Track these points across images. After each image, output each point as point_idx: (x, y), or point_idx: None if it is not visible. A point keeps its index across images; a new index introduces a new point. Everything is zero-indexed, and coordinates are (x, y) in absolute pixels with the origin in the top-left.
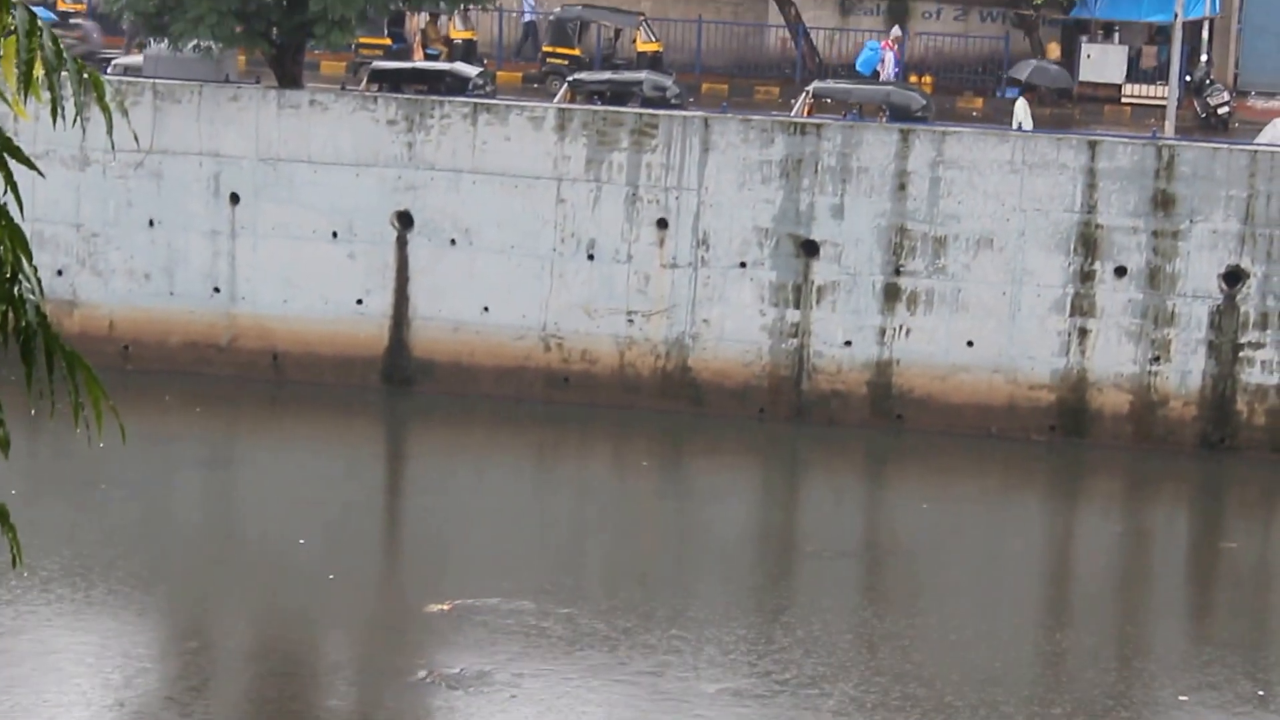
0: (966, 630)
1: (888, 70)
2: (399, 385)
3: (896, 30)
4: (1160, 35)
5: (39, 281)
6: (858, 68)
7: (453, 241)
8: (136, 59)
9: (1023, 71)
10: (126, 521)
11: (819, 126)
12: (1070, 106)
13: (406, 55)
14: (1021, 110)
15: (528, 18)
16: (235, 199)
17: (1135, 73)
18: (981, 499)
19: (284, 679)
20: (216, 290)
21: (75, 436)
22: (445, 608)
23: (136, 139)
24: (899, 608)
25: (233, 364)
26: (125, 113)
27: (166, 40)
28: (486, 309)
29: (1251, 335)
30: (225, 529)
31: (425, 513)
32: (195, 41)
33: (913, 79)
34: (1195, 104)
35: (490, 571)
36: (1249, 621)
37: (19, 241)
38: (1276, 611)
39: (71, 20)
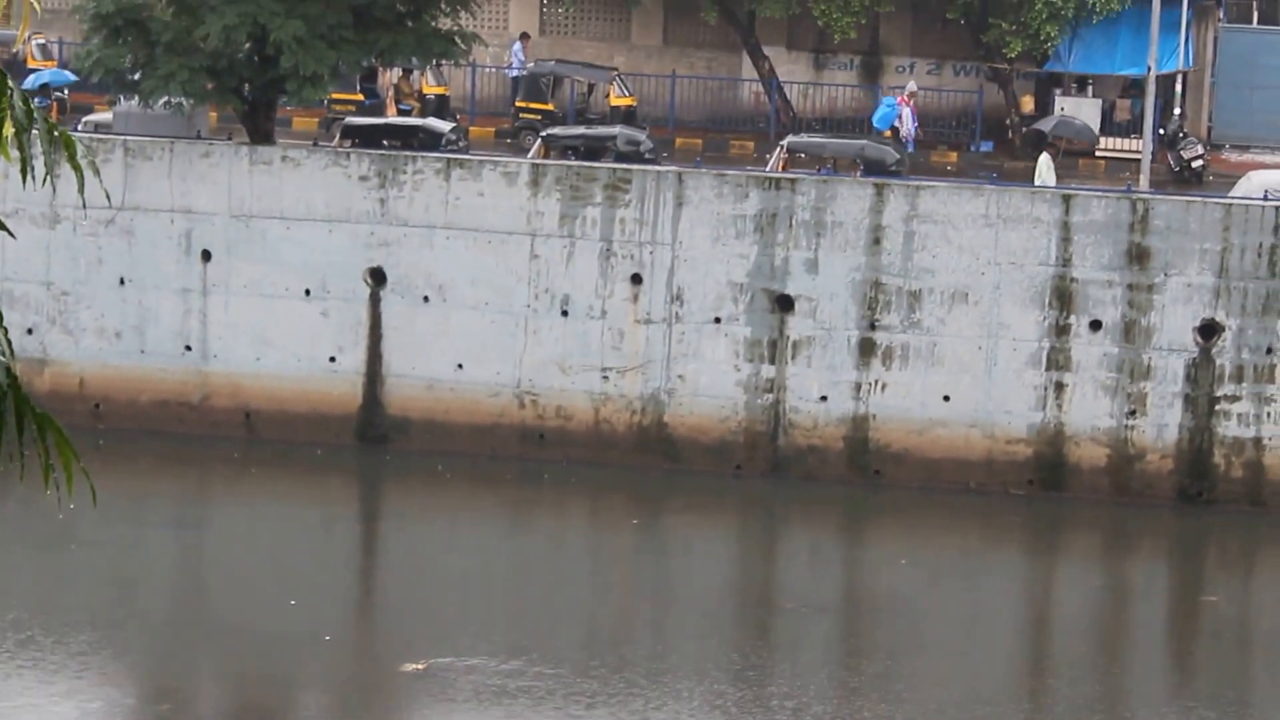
0: (947, 687)
1: (906, 126)
2: (373, 443)
3: (912, 85)
4: (1134, 89)
5: (9, 342)
6: (874, 123)
7: (426, 298)
8: (107, 116)
9: (1046, 125)
10: (97, 582)
11: (793, 181)
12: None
13: (379, 111)
14: (1045, 165)
15: (514, 72)
16: (207, 256)
17: (1109, 126)
18: (960, 554)
19: None
20: (188, 348)
21: (46, 497)
22: (420, 667)
23: (108, 196)
24: (879, 664)
25: (205, 422)
26: (97, 171)
27: (137, 97)
28: (461, 366)
29: (1227, 388)
30: (197, 589)
31: (400, 571)
32: (166, 98)
33: (886, 133)
34: (1169, 157)
35: (466, 630)
36: (1231, 676)
37: None
38: (1258, 665)
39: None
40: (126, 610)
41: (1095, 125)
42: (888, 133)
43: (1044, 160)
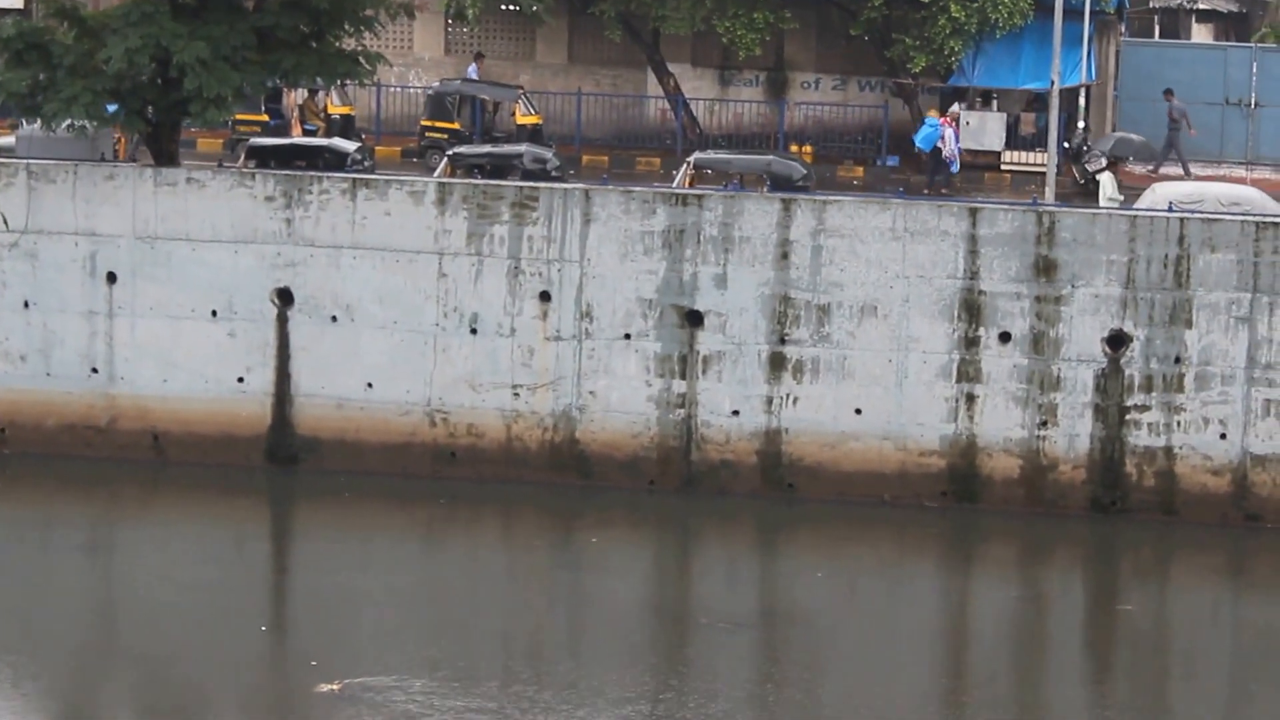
0: (865, 700)
1: (949, 146)
2: (283, 464)
3: (955, 107)
4: (1038, 102)
5: None
6: (917, 144)
7: (334, 318)
8: (9, 139)
9: (1106, 144)
10: (1, 608)
11: (700, 197)
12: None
13: (284, 132)
14: (1109, 184)
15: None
16: (112, 278)
17: (1014, 140)
18: (876, 567)
19: None
20: (94, 371)
21: None
22: (335, 688)
23: (5, 222)
24: (796, 678)
25: (112, 445)
26: None
27: (40, 120)
28: (370, 385)
29: (1137, 398)
30: (106, 613)
31: (313, 592)
32: (69, 121)
33: (793, 148)
34: (1074, 170)
35: (380, 650)
36: (1146, 684)
37: None
38: (1174, 673)
39: None
40: (33, 635)
41: (999, 139)
42: (928, 153)
43: (1106, 179)
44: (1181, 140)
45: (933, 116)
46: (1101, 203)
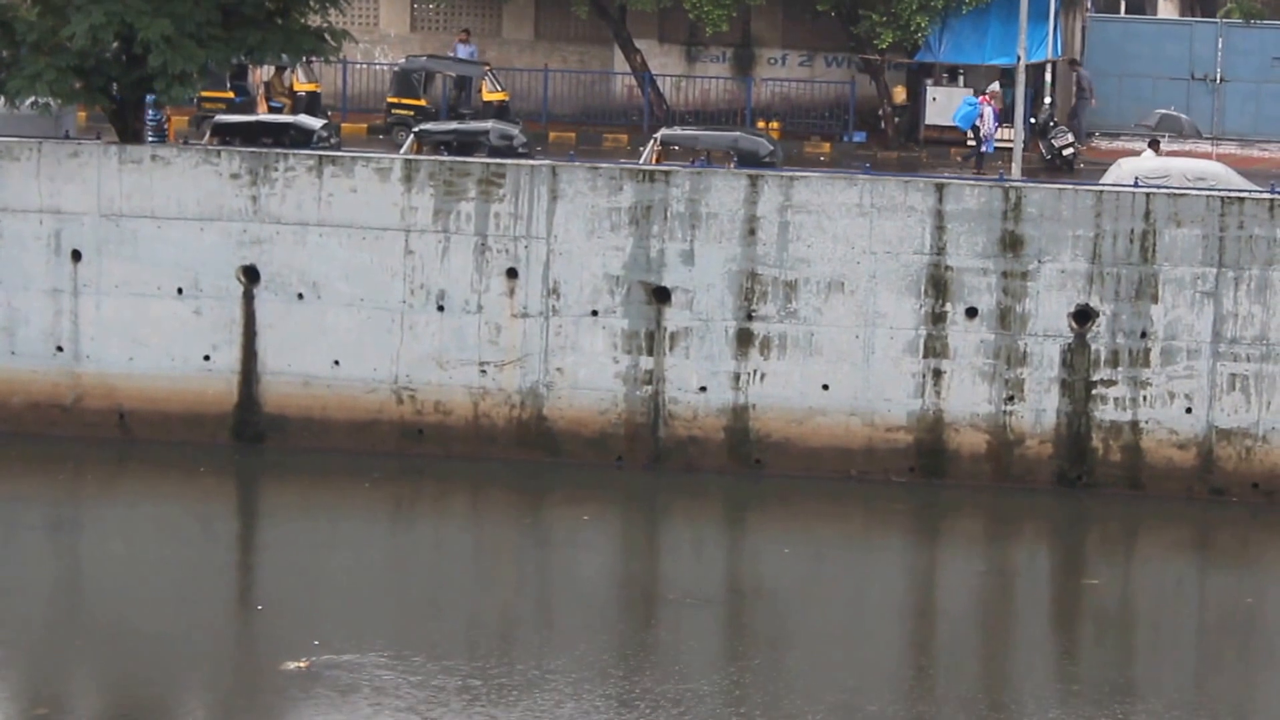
0: (833, 674)
1: (987, 125)
2: (250, 441)
3: (994, 86)
4: (1005, 78)
5: None
6: (956, 122)
7: (300, 295)
8: None
9: (1151, 120)
10: None
11: (667, 173)
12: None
13: (250, 109)
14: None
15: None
16: (77, 256)
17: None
18: (843, 542)
19: None
20: (60, 349)
21: None
22: (302, 665)
23: None
24: (763, 653)
25: (78, 424)
26: None
27: (3, 98)
28: (337, 363)
29: (1103, 373)
30: (73, 591)
31: (280, 570)
32: (33, 98)
33: (760, 124)
34: (1040, 146)
35: (348, 628)
36: (1112, 658)
37: None
38: (1140, 646)
39: None
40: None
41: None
42: (969, 132)
43: (1147, 155)
44: (1084, 111)
45: (971, 95)
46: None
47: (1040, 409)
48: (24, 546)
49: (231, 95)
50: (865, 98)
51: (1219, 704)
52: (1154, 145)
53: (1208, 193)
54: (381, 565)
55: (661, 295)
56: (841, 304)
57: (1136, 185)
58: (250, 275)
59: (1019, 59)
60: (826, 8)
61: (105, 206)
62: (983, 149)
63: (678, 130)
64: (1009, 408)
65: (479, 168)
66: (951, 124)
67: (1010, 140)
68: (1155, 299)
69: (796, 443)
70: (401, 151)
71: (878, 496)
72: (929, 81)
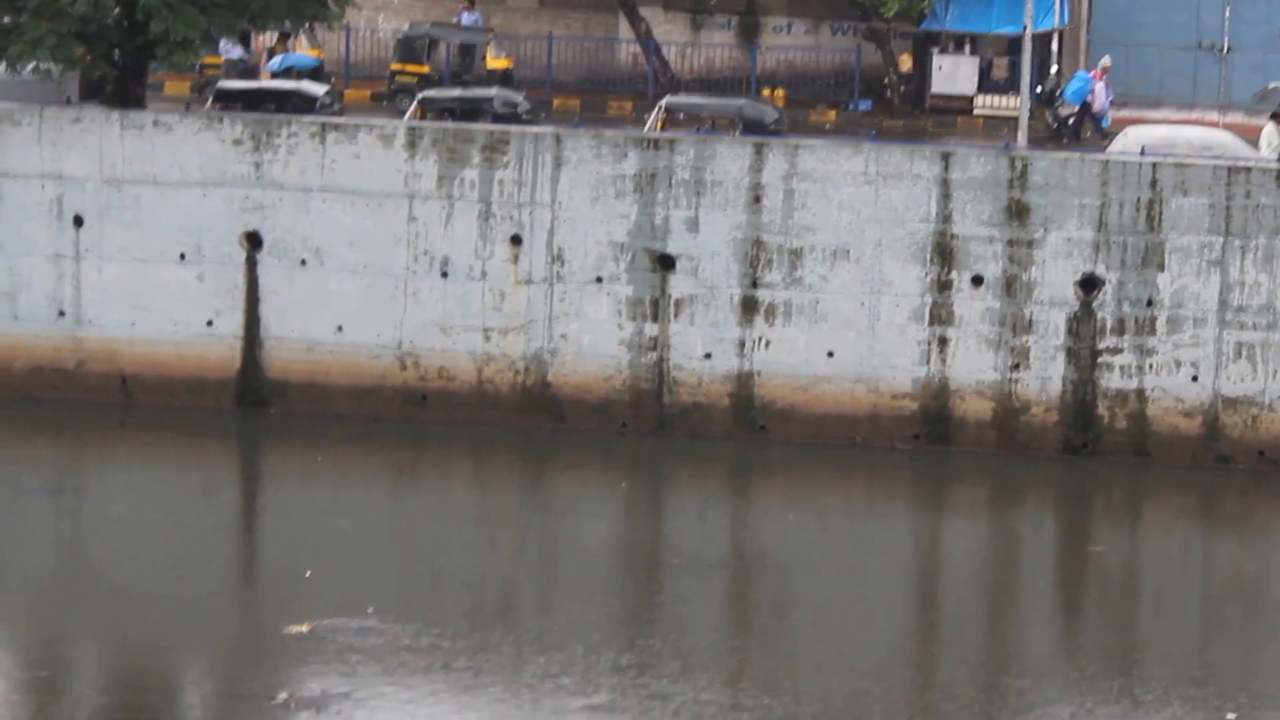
0: (837, 641)
1: (1100, 100)
2: (253, 406)
3: (1106, 60)
4: (1011, 47)
5: None
6: (1067, 98)
7: (303, 261)
8: None
9: (1274, 100)
10: None
11: (672, 141)
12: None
13: (253, 74)
14: (1272, 133)
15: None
16: (79, 221)
17: (987, 84)
18: (848, 509)
19: (140, 705)
20: (62, 314)
21: None
22: (304, 629)
23: None
24: (767, 619)
25: (81, 388)
26: None
27: (4, 63)
28: (340, 328)
29: (1109, 341)
30: (76, 554)
31: (282, 534)
32: (35, 63)
33: (765, 92)
34: (1047, 115)
35: (350, 592)
36: (1117, 625)
37: None
38: (1145, 614)
39: None
40: (1, 576)
41: (972, 84)
42: (1077, 107)
43: (1270, 129)
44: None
45: (1084, 71)
46: (1263, 152)
47: (1046, 377)
48: (26, 510)
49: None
50: (871, 66)
51: (1223, 670)
52: (1275, 118)
53: (1214, 162)
54: (384, 530)
55: (666, 262)
56: (847, 271)
57: (1143, 154)
58: (253, 241)
59: (1025, 27)
60: None
61: (107, 172)
62: (1100, 124)
63: (683, 98)
64: (1014, 375)
65: (483, 134)
66: (958, 93)
67: (1012, 108)
68: (1161, 267)
69: (801, 409)
70: (405, 118)
71: (882, 463)
72: (935, 50)
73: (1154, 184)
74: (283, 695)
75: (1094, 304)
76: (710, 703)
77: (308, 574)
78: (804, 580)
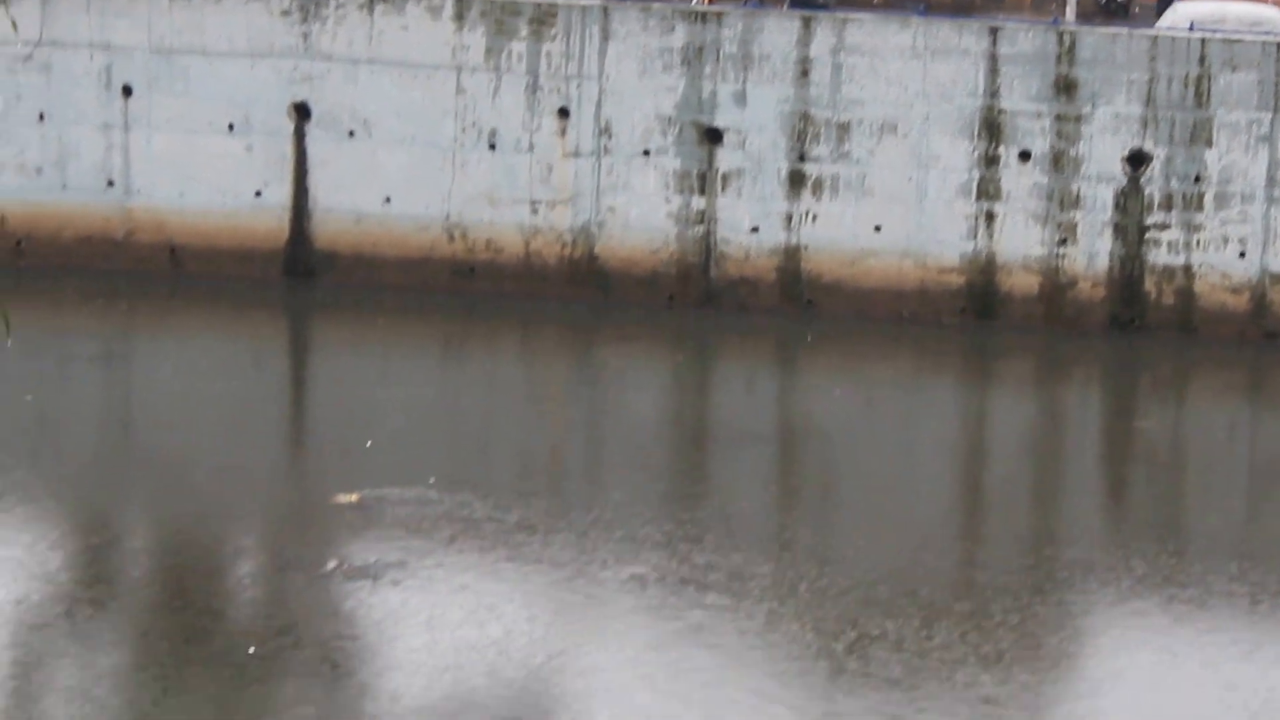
0: (884, 513)
1: None
2: (301, 277)
3: None
4: None
5: None
6: None
7: (351, 133)
8: None
9: None
10: (19, 419)
11: (720, 14)
12: None
13: None
14: None
15: None
16: (128, 91)
17: None
18: (894, 383)
19: (189, 574)
20: (110, 184)
21: None
22: (353, 499)
23: (15, 26)
24: (814, 493)
25: (129, 259)
26: (6, 5)
27: None
28: (388, 200)
29: (1157, 217)
30: (124, 424)
31: (330, 405)
32: None
33: None
34: None
35: (398, 463)
36: (1163, 500)
37: None
38: (1190, 489)
39: None
40: (49, 445)
41: None
42: None
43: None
44: None
45: None
46: None
47: (1093, 252)
48: (76, 379)
49: None
50: None
51: (1266, 545)
52: None
53: (1264, 38)
54: (431, 401)
55: (713, 136)
56: (894, 146)
57: (1191, 30)
58: (301, 112)
59: None
60: None
61: (156, 42)
62: None
63: None
64: (1062, 250)
65: (530, 7)
66: None
67: None
68: (1210, 143)
69: (848, 284)
70: None
71: (929, 338)
72: None
73: (1202, 60)
74: (332, 564)
75: (1142, 180)
76: (758, 574)
77: (368, 444)
78: (851, 453)
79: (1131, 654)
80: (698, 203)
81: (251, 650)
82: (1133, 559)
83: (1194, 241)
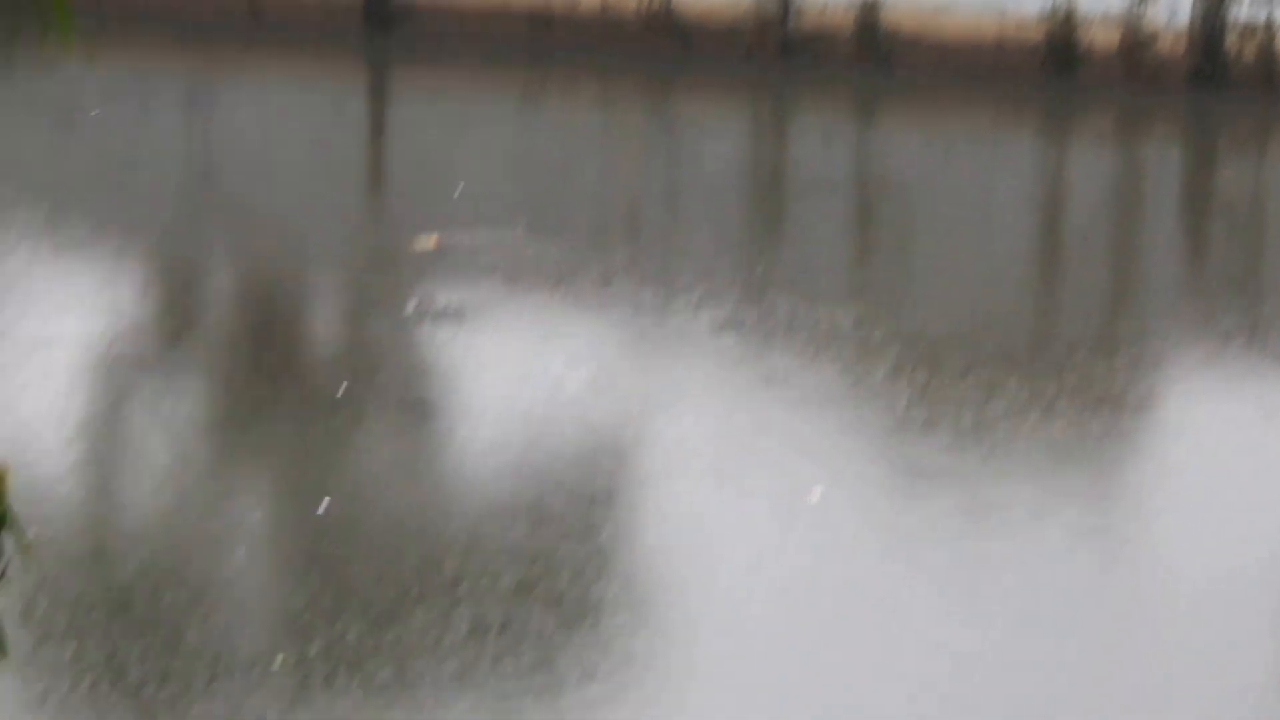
0: (961, 262)
1: None
2: (380, 26)
3: None
4: None
5: None
6: None
7: None
8: None
9: None
10: (105, 157)
11: None
12: None
13: None
14: None
15: None
16: None
17: None
18: (972, 135)
19: (271, 310)
20: None
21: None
22: (431, 244)
23: None
24: (890, 241)
25: (211, 8)
26: None
27: None
28: None
29: None
30: (205, 167)
31: (408, 151)
32: None
33: None
34: None
35: (476, 209)
36: (1240, 253)
37: None
38: (1268, 242)
39: None
40: (133, 187)
41: None
42: None
43: None
44: None
45: None
46: None
47: (1175, 7)
48: (157, 122)
49: None
50: None
51: None
52: None
53: None
54: (509, 149)
55: None
56: None
57: None
58: None
59: None
60: None
61: None
62: None
63: None
64: (1142, 5)
65: None
66: None
67: None
68: None
69: (927, 37)
70: None
71: (1007, 93)
72: None
73: None
74: (412, 304)
75: None
76: (833, 320)
77: (457, 190)
78: (928, 203)
79: (1211, 406)
80: None
81: (341, 392)
82: (1211, 313)
83: None
